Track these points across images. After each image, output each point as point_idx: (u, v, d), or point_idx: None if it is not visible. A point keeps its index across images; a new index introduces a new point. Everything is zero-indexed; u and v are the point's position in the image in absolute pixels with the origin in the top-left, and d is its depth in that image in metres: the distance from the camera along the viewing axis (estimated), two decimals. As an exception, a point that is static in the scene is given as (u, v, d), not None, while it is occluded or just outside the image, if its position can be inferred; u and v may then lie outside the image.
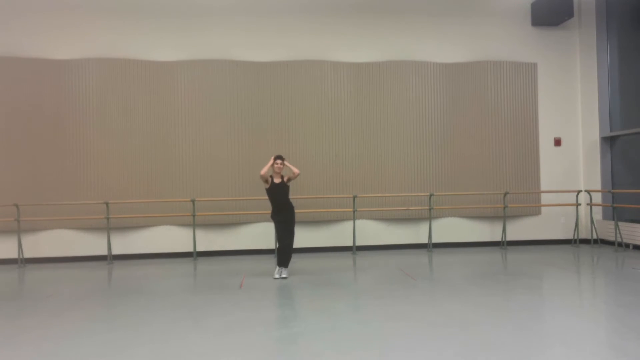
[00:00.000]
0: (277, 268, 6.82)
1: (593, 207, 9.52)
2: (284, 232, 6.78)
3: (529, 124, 9.81)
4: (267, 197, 6.94)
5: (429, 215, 9.24)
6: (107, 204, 8.52)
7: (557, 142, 9.95)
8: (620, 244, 8.98)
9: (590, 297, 5.75)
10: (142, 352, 3.90)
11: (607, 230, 9.45)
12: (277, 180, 6.76)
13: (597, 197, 9.69)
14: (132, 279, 7.11)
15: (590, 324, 4.49)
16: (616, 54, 9.81)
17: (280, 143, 9.17)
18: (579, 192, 9.57)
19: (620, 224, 8.98)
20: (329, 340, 4.09)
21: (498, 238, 9.58)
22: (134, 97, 8.98)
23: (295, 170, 6.89)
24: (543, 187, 9.82)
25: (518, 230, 9.76)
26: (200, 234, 9.01)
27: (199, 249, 8.94)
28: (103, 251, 8.75)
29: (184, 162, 9.05)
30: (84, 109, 8.87)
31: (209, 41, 9.24)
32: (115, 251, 8.80)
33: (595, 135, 9.80)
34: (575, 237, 9.52)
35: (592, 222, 9.47)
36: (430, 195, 9.18)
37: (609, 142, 9.79)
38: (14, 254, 8.60)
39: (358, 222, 9.23)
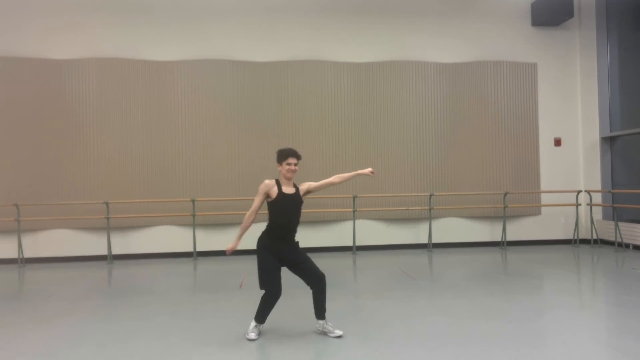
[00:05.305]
0: (322, 321, 4.16)
1: (593, 207, 9.52)
2: (297, 268, 4.43)
3: (529, 124, 9.81)
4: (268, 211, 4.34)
5: (429, 216, 9.24)
6: (107, 204, 8.52)
7: (557, 142, 9.95)
8: (620, 244, 8.98)
9: (590, 297, 5.75)
10: (142, 352, 3.90)
11: (607, 230, 9.45)
12: (288, 189, 4.33)
13: (597, 197, 9.69)
14: (132, 279, 7.11)
15: (591, 324, 4.49)
16: (616, 54, 9.81)
17: (280, 143, 9.16)
18: (579, 192, 9.57)
19: (620, 224, 8.98)
20: (329, 339, 4.10)
21: (498, 238, 9.58)
22: (134, 97, 8.98)
23: (331, 180, 4.65)
24: (543, 187, 9.82)
25: (518, 230, 9.76)
26: (200, 234, 9.01)
27: (199, 249, 8.93)
28: (103, 251, 8.75)
29: (183, 162, 9.05)
30: (84, 109, 8.87)
31: (209, 41, 9.24)
32: (115, 251, 8.80)
33: (595, 135, 9.80)
34: (575, 237, 9.52)
35: (592, 222, 9.46)
36: (430, 196, 9.17)
37: (609, 142, 9.79)
38: (14, 254, 8.59)
39: (358, 222, 9.23)
